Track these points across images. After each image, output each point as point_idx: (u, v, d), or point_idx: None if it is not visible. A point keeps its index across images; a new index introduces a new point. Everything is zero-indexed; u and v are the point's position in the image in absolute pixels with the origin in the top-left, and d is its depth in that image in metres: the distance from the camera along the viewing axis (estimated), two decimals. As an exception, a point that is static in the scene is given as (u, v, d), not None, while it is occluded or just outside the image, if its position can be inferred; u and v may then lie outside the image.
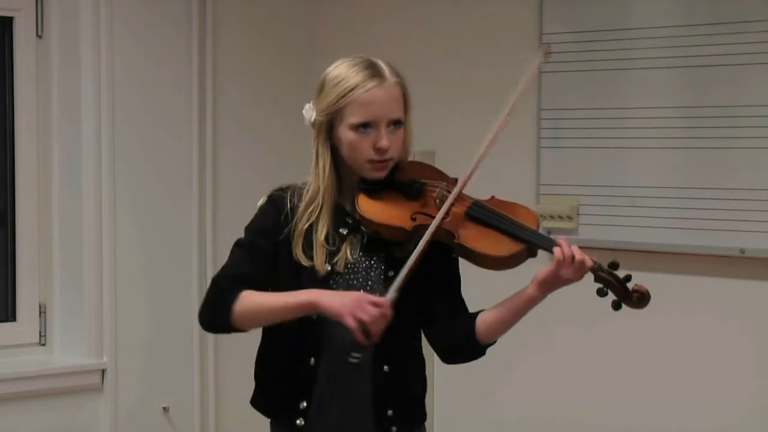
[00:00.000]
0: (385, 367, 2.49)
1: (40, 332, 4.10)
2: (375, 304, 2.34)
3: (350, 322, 2.33)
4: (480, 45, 4.17)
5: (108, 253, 4.05)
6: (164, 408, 4.22)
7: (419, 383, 2.61)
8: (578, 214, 3.90)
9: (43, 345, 4.11)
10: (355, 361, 2.38)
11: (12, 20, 4.01)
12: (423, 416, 2.62)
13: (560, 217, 3.91)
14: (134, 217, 4.13)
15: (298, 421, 2.51)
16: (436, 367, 4.22)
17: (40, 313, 4.09)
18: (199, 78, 4.28)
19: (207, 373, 4.30)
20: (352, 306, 2.34)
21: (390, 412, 2.50)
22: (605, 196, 3.85)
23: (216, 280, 2.54)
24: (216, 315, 2.50)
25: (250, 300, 2.45)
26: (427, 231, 2.40)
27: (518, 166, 4.01)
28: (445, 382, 4.26)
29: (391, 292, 2.37)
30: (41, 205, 4.08)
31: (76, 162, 4.03)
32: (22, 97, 4.03)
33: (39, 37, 4.05)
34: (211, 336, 4.29)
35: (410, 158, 2.58)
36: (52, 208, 4.08)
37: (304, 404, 2.50)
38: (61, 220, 4.08)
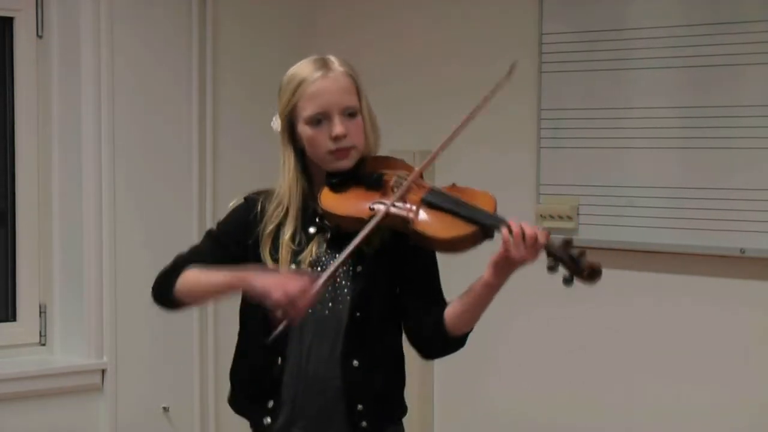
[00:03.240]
0: (355, 362, 2.50)
1: (40, 332, 4.10)
2: (300, 285, 2.33)
3: (273, 299, 2.33)
4: (480, 45, 4.17)
5: (108, 253, 4.05)
6: (164, 408, 4.22)
7: (393, 379, 2.59)
8: (578, 214, 3.90)
9: (43, 345, 4.11)
10: (272, 338, 2.38)
11: (12, 20, 4.01)
12: (399, 412, 2.62)
13: (560, 217, 3.91)
14: (134, 216, 4.14)
15: (265, 420, 2.54)
16: (436, 367, 4.25)
17: (40, 313, 4.09)
18: (199, 77, 4.27)
19: (207, 373, 4.31)
20: (277, 284, 2.35)
21: (360, 406, 2.51)
22: (605, 196, 3.85)
23: (175, 258, 2.60)
24: (161, 287, 2.56)
25: (190, 276, 2.51)
26: (378, 213, 2.41)
27: (518, 166, 4.01)
28: (444, 380, 4.27)
29: (322, 278, 2.37)
30: (41, 205, 4.08)
31: (76, 162, 4.03)
32: (22, 97, 4.03)
33: (39, 37, 4.05)
34: (211, 336, 4.30)
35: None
36: (52, 208, 4.08)
37: (272, 403, 2.53)
38: (61, 220, 4.08)
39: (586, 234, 3.84)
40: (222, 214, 2.65)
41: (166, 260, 2.60)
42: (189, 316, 4.25)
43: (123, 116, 4.09)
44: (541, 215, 3.94)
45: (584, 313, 3.91)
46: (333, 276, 2.42)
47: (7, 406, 3.86)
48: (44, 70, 4.05)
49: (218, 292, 2.51)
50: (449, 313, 2.47)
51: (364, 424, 2.51)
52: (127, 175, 4.11)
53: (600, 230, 3.86)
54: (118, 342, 4.09)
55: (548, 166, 3.97)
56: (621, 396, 3.88)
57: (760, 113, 3.54)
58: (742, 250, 3.59)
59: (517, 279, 2.43)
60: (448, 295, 2.54)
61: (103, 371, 4.06)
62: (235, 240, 2.55)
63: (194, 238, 4.23)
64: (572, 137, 3.91)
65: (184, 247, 4.49)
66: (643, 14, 3.77)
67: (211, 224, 4.22)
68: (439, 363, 4.15)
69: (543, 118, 3.97)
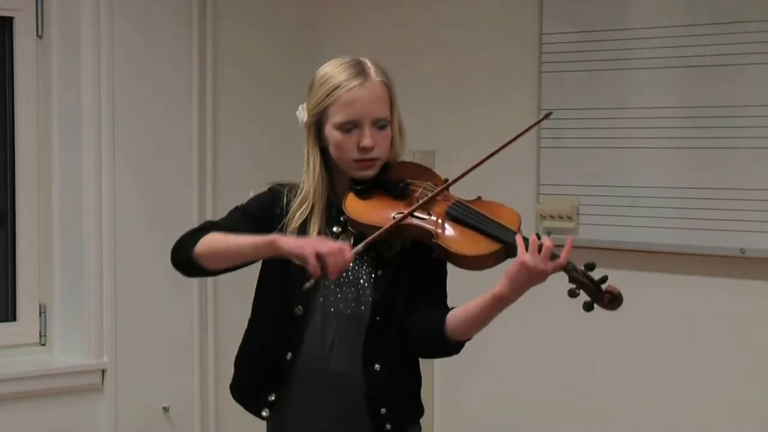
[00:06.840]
0: (377, 366, 2.50)
1: (40, 332, 4.10)
2: (332, 245, 2.32)
3: (308, 253, 2.30)
4: (480, 45, 4.18)
5: (108, 253, 4.05)
6: (164, 408, 4.22)
7: (412, 380, 2.61)
8: (578, 214, 3.90)
9: (43, 345, 4.11)
10: (308, 286, 2.34)
11: (12, 20, 4.01)
12: (418, 413, 2.62)
13: (560, 217, 3.91)
14: (135, 216, 4.13)
15: (263, 413, 2.55)
16: (436, 367, 4.25)
17: (40, 313, 4.09)
18: (200, 77, 4.27)
19: (207, 373, 4.31)
20: (313, 242, 2.34)
21: (383, 410, 2.51)
22: (605, 196, 3.85)
23: (201, 223, 2.58)
24: (182, 248, 2.51)
25: (214, 237, 2.46)
26: (401, 215, 2.40)
27: (518, 166, 4.01)
28: (445, 379, 4.27)
29: (356, 248, 2.37)
30: (41, 205, 4.08)
31: (77, 162, 4.02)
32: (22, 97, 4.03)
33: (39, 37, 4.05)
34: (211, 336, 4.30)
35: (409, 159, 2.59)
36: (52, 208, 4.08)
37: (273, 397, 2.54)
38: (61, 220, 4.07)
39: (586, 234, 3.84)
40: (223, 213, 2.64)
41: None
42: (189, 317, 4.25)
43: (123, 116, 4.08)
44: (541, 215, 3.94)
45: (584, 314, 3.91)
46: (367, 245, 2.38)
47: (7, 406, 3.86)
48: (44, 70, 4.05)
49: (243, 254, 2.44)
50: (452, 317, 2.46)
51: (388, 426, 2.52)
52: (128, 175, 4.11)
53: (600, 230, 3.86)
54: (118, 342, 4.08)
55: (548, 166, 3.97)
56: (618, 392, 3.88)
57: (760, 113, 3.54)
58: (742, 250, 3.59)
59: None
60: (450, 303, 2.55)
61: (103, 371, 4.06)
62: (260, 222, 2.52)
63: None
64: (572, 137, 3.91)
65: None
66: (643, 14, 3.77)
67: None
68: (439, 363, 4.16)
69: (543, 118, 3.98)
